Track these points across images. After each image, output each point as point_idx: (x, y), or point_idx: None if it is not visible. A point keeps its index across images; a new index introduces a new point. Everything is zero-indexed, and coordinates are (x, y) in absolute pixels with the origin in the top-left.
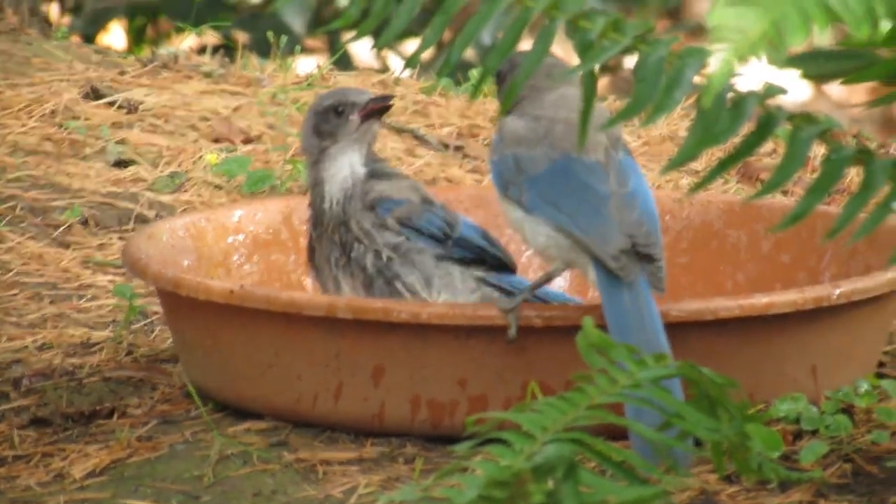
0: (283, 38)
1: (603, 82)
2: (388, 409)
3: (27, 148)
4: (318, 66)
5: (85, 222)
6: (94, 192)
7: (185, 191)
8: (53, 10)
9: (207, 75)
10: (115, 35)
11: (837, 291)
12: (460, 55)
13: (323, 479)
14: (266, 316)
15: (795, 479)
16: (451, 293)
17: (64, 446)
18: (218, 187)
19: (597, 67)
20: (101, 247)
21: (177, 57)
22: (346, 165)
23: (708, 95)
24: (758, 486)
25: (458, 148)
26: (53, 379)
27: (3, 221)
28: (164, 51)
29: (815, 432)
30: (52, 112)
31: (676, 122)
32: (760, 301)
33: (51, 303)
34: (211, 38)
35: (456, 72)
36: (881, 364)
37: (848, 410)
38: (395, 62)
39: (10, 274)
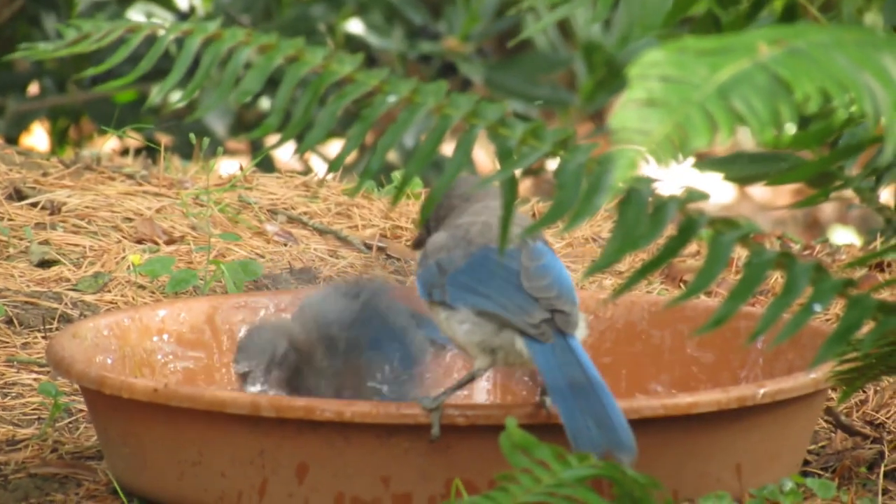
0: (206, 141)
1: (526, 184)
2: None
3: None
4: (241, 168)
5: (9, 321)
6: (17, 291)
7: (109, 291)
8: None
9: (130, 177)
10: (37, 137)
11: (762, 391)
12: (381, 163)
13: None
14: (190, 414)
15: None
16: None
17: None
18: (141, 287)
19: (517, 173)
20: (25, 345)
21: (99, 158)
22: None
23: (609, 195)
24: None
25: (380, 249)
26: None
27: None
28: (86, 152)
29: None
30: None
31: (599, 224)
32: (684, 400)
33: None
34: (133, 140)
35: (378, 175)
36: (806, 462)
37: None
38: (318, 164)
39: None
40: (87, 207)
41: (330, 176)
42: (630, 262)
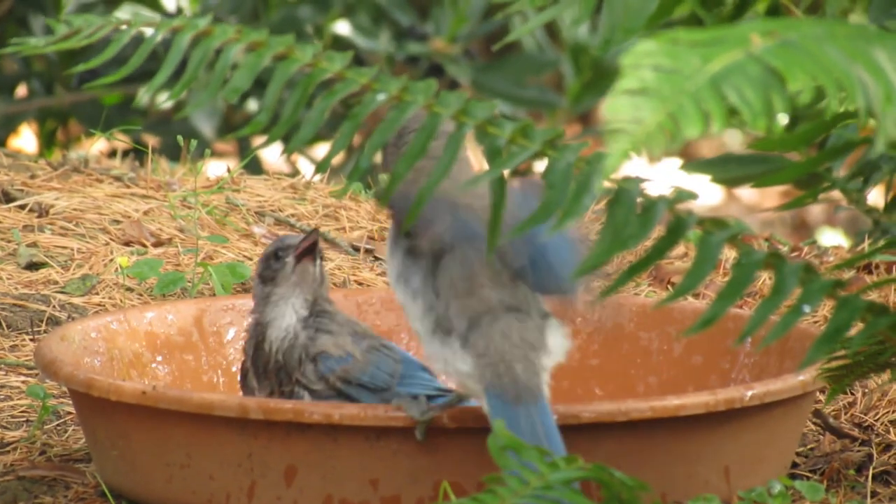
0: (193, 142)
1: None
2: None
3: None
4: (229, 170)
5: None
6: (5, 294)
7: (97, 293)
8: None
9: (118, 179)
10: (25, 139)
11: (749, 394)
12: (370, 161)
13: None
14: (178, 417)
15: None
16: None
17: None
18: (129, 290)
19: (506, 173)
20: (13, 348)
21: (87, 161)
22: (289, 311)
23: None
24: None
25: (368, 251)
26: None
27: None
28: (74, 155)
29: None
30: None
31: (587, 226)
32: (672, 403)
33: None
34: (121, 142)
35: (366, 176)
36: (794, 464)
37: None
38: (305, 166)
39: None
40: (74, 210)
41: (317, 178)
42: (617, 264)
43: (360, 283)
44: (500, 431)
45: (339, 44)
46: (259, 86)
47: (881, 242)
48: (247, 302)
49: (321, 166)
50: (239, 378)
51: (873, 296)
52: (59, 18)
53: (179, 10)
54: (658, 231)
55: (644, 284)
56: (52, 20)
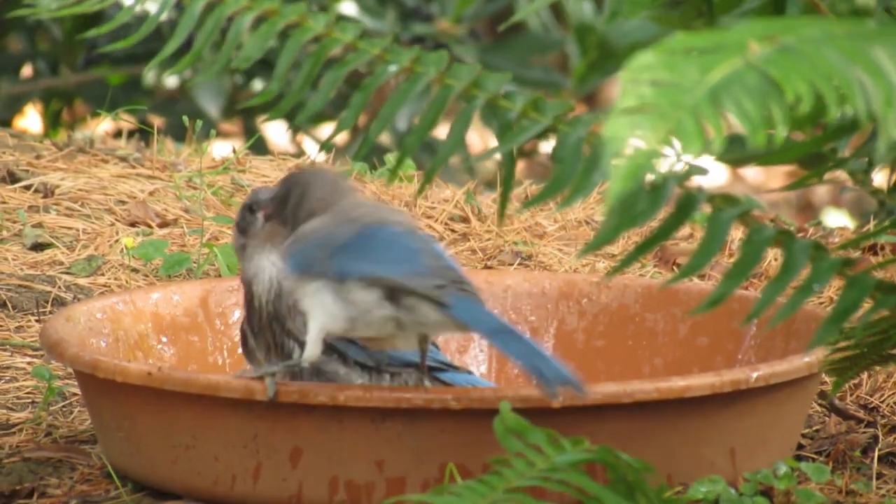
0: (199, 123)
1: (519, 167)
2: (306, 491)
3: None
4: (234, 151)
5: (3, 305)
6: (11, 274)
7: (102, 274)
8: None
9: (123, 159)
10: (31, 119)
11: (755, 375)
12: (379, 133)
13: None
14: (183, 398)
15: None
16: None
17: None
18: (135, 270)
19: (515, 148)
20: (18, 329)
21: (92, 141)
22: (267, 264)
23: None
24: None
25: None
26: None
27: None
28: (79, 135)
29: None
30: None
31: (593, 207)
32: (678, 384)
33: None
34: (126, 122)
35: (371, 156)
36: (800, 446)
37: (767, 493)
38: (311, 147)
39: None
40: (80, 190)
41: (322, 157)
42: (623, 245)
43: None
44: (506, 413)
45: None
46: (265, 66)
47: (886, 223)
48: None
49: (327, 142)
50: (240, 342)
51: (879, 276)
52: None
53: None
54: (666, 209)
55: (649, 265)
56: None
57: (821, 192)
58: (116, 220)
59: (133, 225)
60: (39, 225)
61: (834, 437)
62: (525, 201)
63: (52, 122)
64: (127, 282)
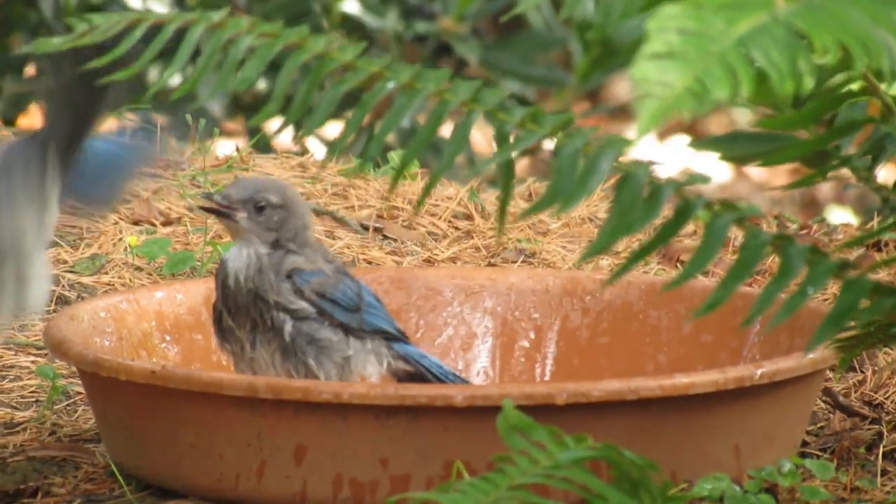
0: (202, 122)
1: (522, 164)
2: (310, 488)
3: None
4: (238, 149)
5: None
6: None
7: (106, 272)
8: None
9: None
10: (35, 118)
11: (759, 372)
12: (379, 149)
13: None
14: (187, 396)
15: None
16: (366, 370)
17: None
18: (139, 269)
19: (514, 155)
20: (22, 328)
21: None
22: (244, 248)
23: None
24: None
25: (377, 229)
26: None
27: None
28: None
29: None
30: None
31: (596, 204)
32: (682, 381)
33: None
34: (130, 121)
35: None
36: (805, 443)
37: (772, 490)
38: (315, 145)
39: None
40: None
41: (325, 156)
42: (627, 243)
43: (370, 262)
44: (509, 411)
45: (347, 23)
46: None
47: (890, 220)
48: None
49: (332, 149)
50: (213, 323)
51: (882, 274)
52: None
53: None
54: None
55: (653, 262)
56: (72, 18)
57: (825, 188)
58: (120, 218)
59: (137, 223)
60: None
61: (838, 433)
62: (524, 210)
63: None
64: (131, 280)
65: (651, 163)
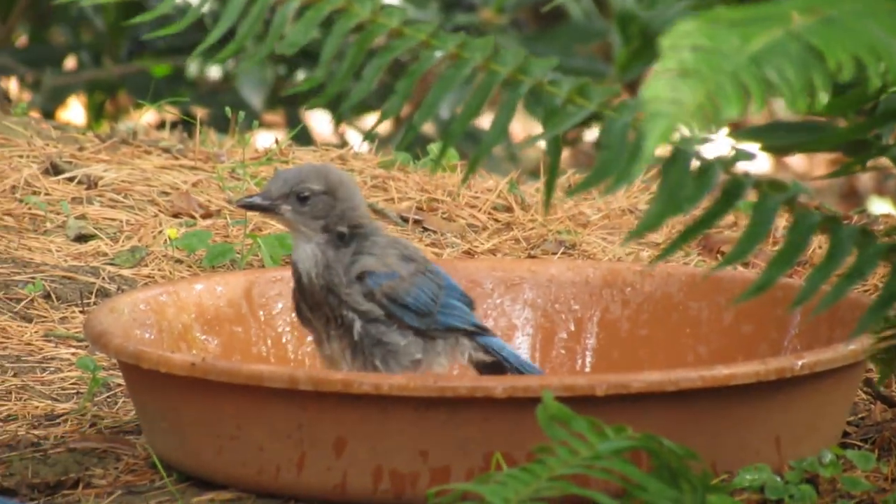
0: (242, 114)
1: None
2: (350, 480)
3: None
4: (277, 141)
5: (47, 296)
6: (55, 266)
7: (146, 265)
8: (13, 87)
9: (166, 150)
10: (74, 111)
11: (800, 363)
12: (424, 120)
13: None
14: (227, 388)
15: None
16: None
17: None
18: (178, 261)
19: (560, 134)
20: (63, 320)
21: (136, 132)
22: (301, 243)
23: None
24: None
25: (416, 221)
26: (18, 450)
27: None
28: (123, 126)
29: (779, 502)
30: (13, 187)
31: (636, 195)
32: (722, 372)
33: (14, 375)
34: (170, 114)
35: (414, 147)
36: (846, 434)
37: (812, 480)
38: (354, 137)
39: None
40: (123, 181)
41: (365, 148)
42: (667, 234)
43: None
44: (550, 402)
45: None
46: (308, 57)
47: None
48: None
49: (374, 127)
50: (294, 310)
51: None
52: None
53: None
54: (712, 196)
55: (693, 254)
56: None
57: (865, 179)
58: (160, 211)
59: (176, 216)
60: (83, 216)
61: (879, 424)
62: (569, 189)
63: (96, 113)
64: (171, 273)
65: (699, 140)
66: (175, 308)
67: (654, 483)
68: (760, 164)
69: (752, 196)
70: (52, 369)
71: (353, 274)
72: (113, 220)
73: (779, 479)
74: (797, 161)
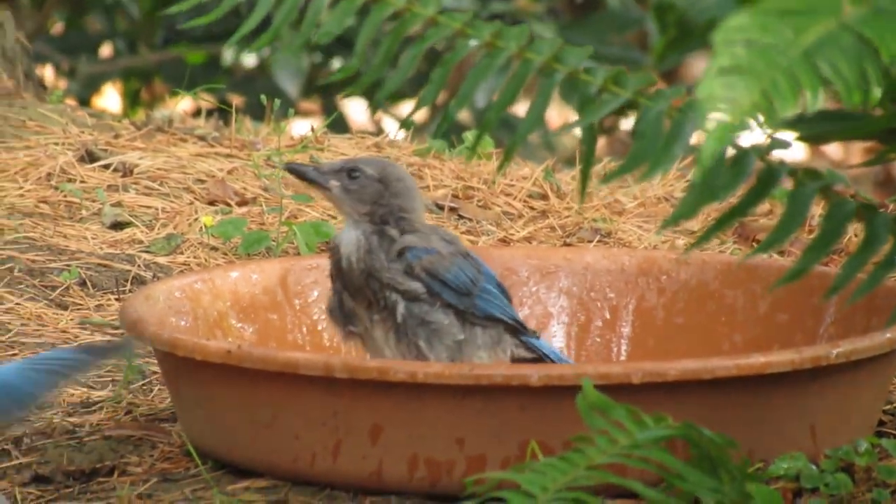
0: (277, 102)
1: (598, 144)
2: (386, 468)
3: (24, 210)
4: (312, 129)
5: (83, 283)
6: (90, 253)
7: (182, 252)
8: (48, 74)
9: (202, 138)
10: (109, 98)
11: (835, 351)
12: (460, 108)
13: None
14: (263, 376)
15: None
16: (478, 357)
17: None
18: (214, 249)
19: (596, 122)
20: (98, 308)
21: (171, 120)
22: (348, 227)
23: (702, 163)
24: None
25: (452, 209)
26: (54, 437)
27: (2, 283)
28: (158, 114)
29: (815, 490)
30: (48, 175)
31: (672, 183)
32: (758, 360)
33: None
34: (205, 101)
35: (449, 134)
36: (881, 423)
37: (848, 469)
38: (390, 125)
39: (10, 335)
40: (159, 169)
41: (401, 136)
42: (703, 222)
43: None
44: (589, 390)
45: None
46: (343, 45)
47: None
48: None
49: (410, 115)
50: (332, 312)
51: None
52: None
53: None
54: (747, 183)
55: (729, 242)
56: None
57: None
58: (195, 198)
59: (212, 203)
60: (119, 204)
61: None
62: (604, 176)
63: (131, 101)
64: (206, 260)
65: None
66: (210, 295)
67: (693, 472)
68: (796, 152)
69: (787, 184)
70: None
71: (393, 252)
72: (148, 207)
73: (814, 467)
74: (833, 149)
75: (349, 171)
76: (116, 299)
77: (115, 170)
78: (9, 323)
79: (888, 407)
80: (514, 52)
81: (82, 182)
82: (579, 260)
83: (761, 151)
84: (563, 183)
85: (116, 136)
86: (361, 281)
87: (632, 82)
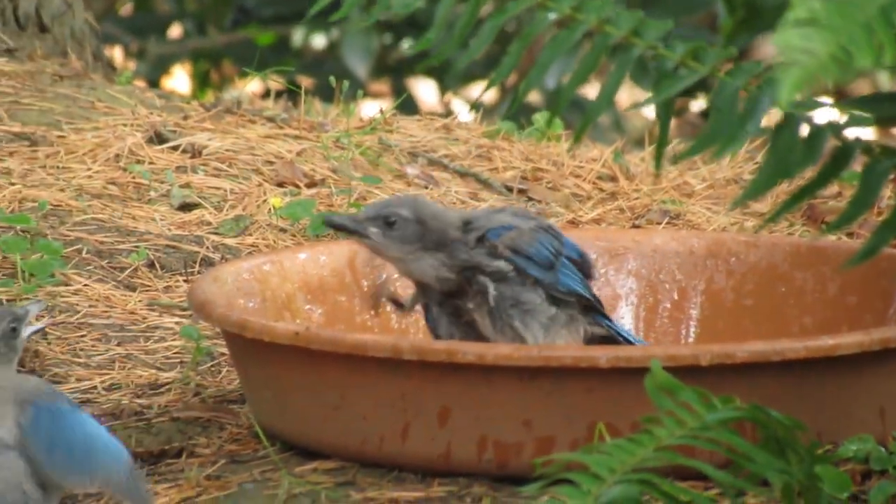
0: (346, 83)
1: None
2: (454, 450)
3: (92, 192)
4: (381, 111)
5: (151, 265)
6: (159, 235)
7: (250, 234)
8: (117, 55)
9: (271, 120)
10: (178, 80)
11: None
12: (534, 84)
13: None
14: (331, 358)
15: None
16: (563, 336)
17: None
18: (282, 230)
19: (672, 97)
20: (167, 289)
21: (240, 101)
22: (417, 262)
23: (781, 105)
24: None
25: (521, 191)
26: (122, 419)
27: (70, 264)
28: (227, 95)
29: (883, 472)
30: (117, 156)
31: (741, 165)
32: (827, 342)
33: (118, 344)
34: (275, 82)
35: (519, 116)
36: None
37: None
38: (459, 107)
39: (78, 316)
40: (227, 150)
41: (470, 117)
42: (772, 205)
43: None
44: (658, 372)
45: None
46: (413, 26)
47: None
48: None
49: (485, 91)
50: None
51: None
52: None
53: None
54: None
55: (798, 224)
56: None
57: None
58: (264, 180)
59: (281, 185)
60: (187, 185)
61: None
62: (675, 156)
63: (200, 82)
64: (274, 242)
65: (810, 105)
66: (279, 277)
67: (762, 454)
68: (864, 135)
69: (857, 167)
70: (155, 338)
71: (471, 239)
72: (217, 189)
73: (883, 449)
74: None
75: (385, 219)
76: (185, 281)
77: (184, 151)
78: (77, 304)
79: None
80: (592, 26)
81: (151, 163)
82: (648, 242)
83: (837, 129)
84: (633, 164)
85: (185, 118)
86: (453, 283)
87: (710, 57)
